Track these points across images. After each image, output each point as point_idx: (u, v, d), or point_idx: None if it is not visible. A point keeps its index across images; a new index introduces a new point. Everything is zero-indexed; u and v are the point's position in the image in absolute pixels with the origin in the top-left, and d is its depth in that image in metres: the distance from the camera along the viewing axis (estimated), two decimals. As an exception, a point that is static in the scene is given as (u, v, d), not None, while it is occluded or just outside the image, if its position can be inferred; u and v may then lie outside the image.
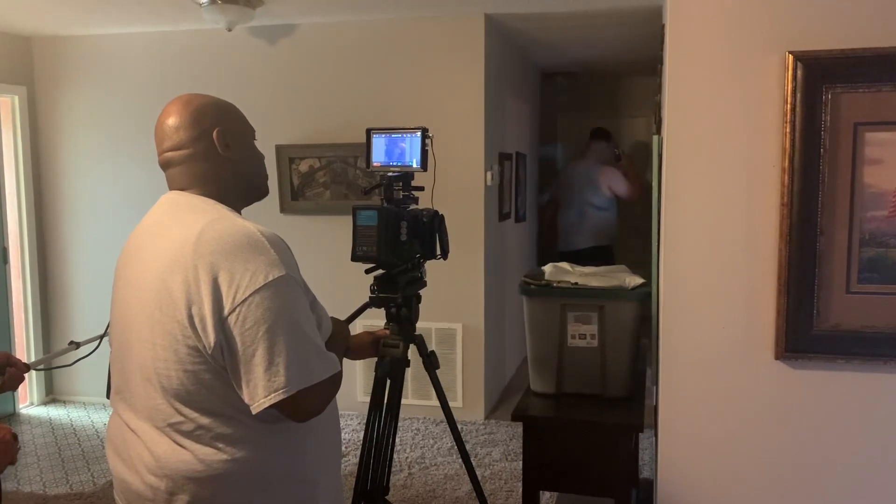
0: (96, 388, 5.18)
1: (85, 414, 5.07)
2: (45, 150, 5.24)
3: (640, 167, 6.11)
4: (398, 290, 2.34)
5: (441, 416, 4.59)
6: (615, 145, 6.09)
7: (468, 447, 4.19)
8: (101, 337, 1.90)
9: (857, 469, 1.93)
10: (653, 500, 2.33)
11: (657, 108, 2.98)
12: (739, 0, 1.89)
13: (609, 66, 6.66)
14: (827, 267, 1.87)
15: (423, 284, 2.47)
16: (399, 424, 2.60)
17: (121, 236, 4.65)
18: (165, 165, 1.55)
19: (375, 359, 2.39)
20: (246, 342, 1.35)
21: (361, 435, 2.55)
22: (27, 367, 1.80)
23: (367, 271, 2.36)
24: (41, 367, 1.99)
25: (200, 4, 4.01)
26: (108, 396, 1.76)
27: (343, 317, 1.95)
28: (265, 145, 1.69)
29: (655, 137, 2.60)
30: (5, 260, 5.02)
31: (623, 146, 7.27)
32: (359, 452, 2.51)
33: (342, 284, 4.01)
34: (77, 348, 2.01)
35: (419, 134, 2.37)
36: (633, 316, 2.45)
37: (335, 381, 1.47)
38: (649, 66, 4.93)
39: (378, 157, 2.42)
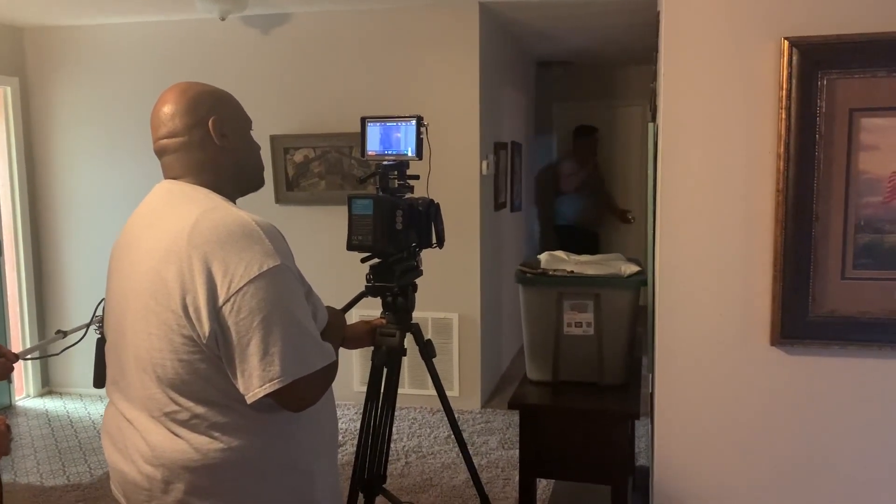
0: (91, 379, 5.17)
1: (81, 405, 5.07)
2: (38, 140, 5.21)
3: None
4: (394, 279, 2.34)
5: (437, 405, 4.58)
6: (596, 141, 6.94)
7: (465, 436, 4.19)
8: (87, 325, 1.90)
9: (853, 455, 1.94)
10: (649, 487, 2.34)
11: (653, 96, 2.98)
12: (735, -14, 1.88)
13: (604, 55, 6.65)
14: (822, 253, 1.87)
15: (419, 273, 2.46)
16: (396, 414, 2.60)
17: (115, 227, 4.64)
18: (160, 153, 1.55)
19: (372, 348, 2.39)
20: (241, 332, 1.35)
21: (358, 424, 2.55)
22: (16, 357, 1.80)
23: (363, 260, 2.36)
24: (30, 356, 1.99)
25: (193, -6, 3.99)
26: (95, 385, 1.77)
27: (339, 306, 1.95)
28: (259, 135, 1.68)
29: (651, 125, 2.60)
30: None
31: (618, 135, 7.30)
32: (356, 442, 2.51)
33: (338, 274, 4.01)
34: (64, 337, 2.01)
35: (414, 122, 2.36)
36: (628, 304, 2.45)
37: (331, 371, 1.47)
38: (645, 54, 4.92)
39: (373, 145, 2.41)
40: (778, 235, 1.89)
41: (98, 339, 1.86)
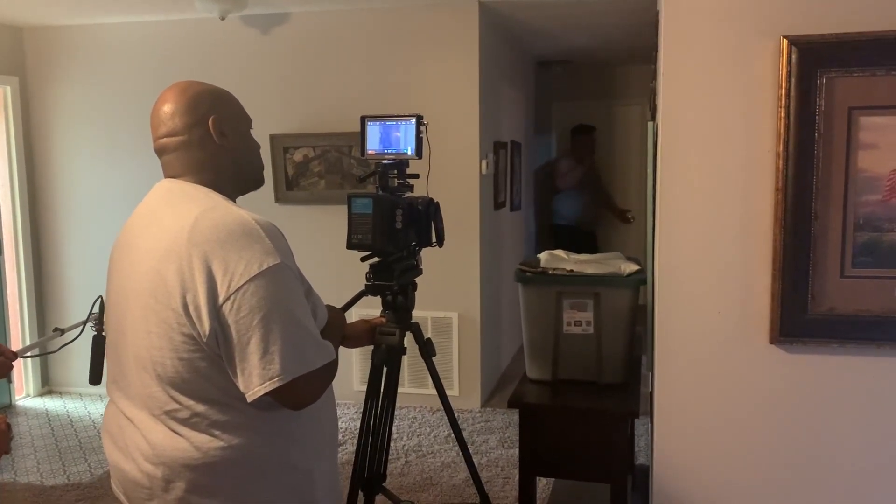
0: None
1: (81, 405, 5.07)
2: (37, 140, 5.21)
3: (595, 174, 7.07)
4: (394, 278, 2.34)
5: (437, 404, 4.58)
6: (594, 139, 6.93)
7: (465, 435, 4.19)
8: (84, 323, 1.91)
9: (852, 453, 1.94)
10: (648, 485, 2.34)
11: (652, 95, 2.98)
12: (734, -15, 1.89)
13: (604, 54, 6.65)
14: (821, 251, 1.87)
15: (419, 272, 2.46)
16: (395, 412, 2.60)
17: (114, 226, 4.65)
18: (160, 152, 1.55)
19: (372, 347, 2.40)
20: (241, 330, 1.35)
21: (358, 423, 2.56)
22: (15, 356, 1.80)
23: (363, 259, 2.36)
24: (29, 354, 1.99)
25: (193, -7, 3.98)
26: (90, 382, 1.77)
27: (339, 305, 1.95)
28: (259, 135, 1.69)
29: (650, 124, 2.60)
30: (-1, 251, 5.01)
31: (617, 134, 7.31)
32: (356, 441, 2.52)
33: (338, 273, 4.01)
34: (61, 334, 2.01)
35: (414, 121, 2.36)
36: (628, 303, 2.45)
37: (330, 369, 1.48)
38: (644, 53, 4.92)
39: (373, 144, 2.41)
40: (777, 234, 1.89)
41: (94, 337, 1.86)
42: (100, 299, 1.90)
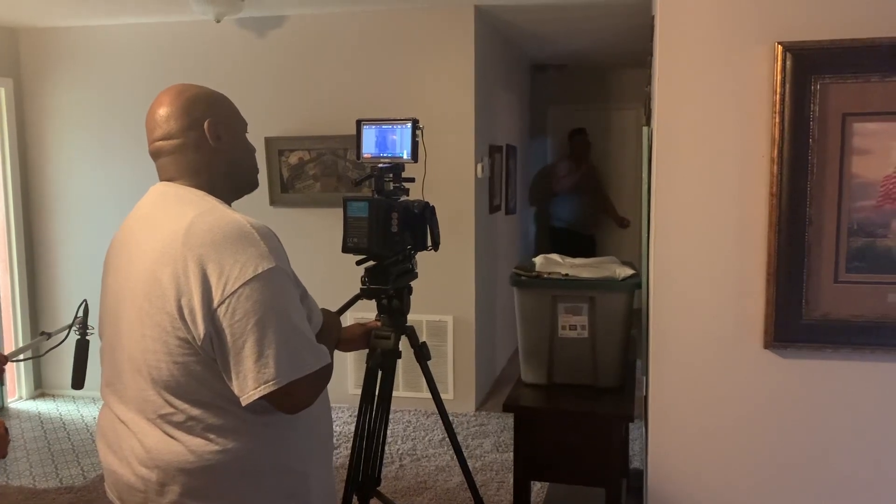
0: (87, 381, 5.15)
1: (74, 408, 5.05)
2: (32, 142, 5.20)
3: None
4: (389, 282, 2.34)
5: (432, 407, 4.59)
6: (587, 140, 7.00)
7: (459, 439, 4.19)
8: (69, 327, 1.91)
9: (846, 457, 1.95)
10: (643, 489, 2.34)
11: (647, 99, 2.99)
12: (729, -9, 1.89)
13: (599, 58, 6.67)
14: (815, 256, 1.88)
15: (415, 276, 2.47)
16: (390, 416, 2.60)
17: (108, 229, 4.64)
18: (156, 155, 1.55)
19: (367, 351, 2.39)
20: (235, 334, 1.35)
21: (353, 427, 2.56)
22: (6, 359, 1.80)
23: (359, 263, 2.36)
24: (19, 358, 1.99)
25: (188, -5, 3.98)
26: (73, 386, 1.79)
27: (334, 309, 1.95)
28: (254, 138, 1.69)
29: (645, 129, 2.61)
30: (-7, 253, 4.99)
31: (612, 138, 7.32)
32: (350, 444, 2.51)
33: (333, 277, 4.01)
34: (48, 338, 2.01)
35: (410, 125, 2.36)
36: (623, 307, 2.45)
37: (325, 373, 1.47)
38: (639, 57, 4.93)
39: (368, 148, 2.41)
40: (771, 239, 1.89)
41: (77, 341, 1.85)
42: (84, 303, 1.90)
